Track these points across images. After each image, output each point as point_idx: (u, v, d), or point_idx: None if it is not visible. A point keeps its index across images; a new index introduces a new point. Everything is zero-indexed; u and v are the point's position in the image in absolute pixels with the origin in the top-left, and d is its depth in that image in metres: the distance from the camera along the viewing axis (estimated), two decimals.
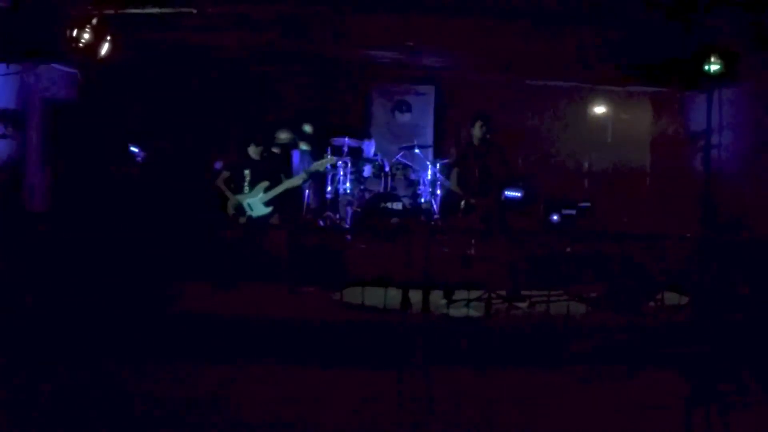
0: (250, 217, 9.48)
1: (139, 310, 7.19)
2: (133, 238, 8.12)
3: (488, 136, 9.81)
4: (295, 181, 9.81)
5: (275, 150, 9.86)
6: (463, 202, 9.89)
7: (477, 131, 9.80)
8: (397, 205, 11.33)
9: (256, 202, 9.48)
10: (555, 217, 11.84)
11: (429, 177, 11.76)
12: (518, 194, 11.30)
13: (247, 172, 9.53)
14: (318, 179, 11.89)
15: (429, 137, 13.26)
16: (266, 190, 9.48)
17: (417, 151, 12.05)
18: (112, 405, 5.65)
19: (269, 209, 9.50)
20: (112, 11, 8.34)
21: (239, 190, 9.51)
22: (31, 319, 6.94)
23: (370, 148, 12.36)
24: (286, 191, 9.63)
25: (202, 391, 6.01)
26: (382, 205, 11.40)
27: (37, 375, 6.17)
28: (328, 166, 10.80)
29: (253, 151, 9.58)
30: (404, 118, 13.49)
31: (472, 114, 10.15)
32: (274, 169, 9.77)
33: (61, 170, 10.85)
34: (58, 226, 8.71)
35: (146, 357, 6.55)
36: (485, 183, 9.73)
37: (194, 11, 8.49)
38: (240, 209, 9.47)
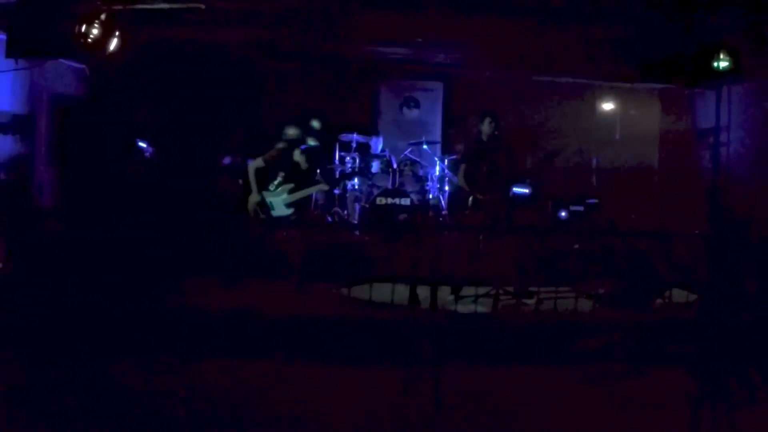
0: (269, 216, 9.46)
1: (146, 306, 7.20)
2: (141, 234, 8.13)
3: (497, 132, 9.80)
4: (321, 187, 9.85)
5: (282, 146, 9.85)
6: (471, 199, 9.89)
7: (486, 128, 9.80)
8: (405, 201, 11.34)
9: (279, 203, 9.46)
10: (563, 214, 11.83)
11: (437, 173, 11.76)
12: (526, 191, 11.28)
13: (282, 170, 9.54)
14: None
15: (437, 133, 13.25)
16: (291, 191, 9.47)
17: (425, 147, 12.06)
18: (118, 401, 5.66)
19: (290, 211, 9.48)
20: (120, 6, 8.33)
21: (265, 185, 9.47)
22: (38, 315, 6.96)
23: (377, 144, 12.36)
24: (309, 196, 9.67)
25: (208, 387, 6.03)
26: (390, 201, 11.41)
27: (44, 371, 6.19)
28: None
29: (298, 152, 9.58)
30: (412, 114, 13.46)
31: (480, 110, 10.15)
32: (310, 172, 9.77)
33: (69, 166, 10.86)
34: (66, 222, 8.73)
35: (152, 353, 6.56)
36: (493, 179, 9.72)
37: (203, 6, 8.48)
38: (261, 206, 9.44)
